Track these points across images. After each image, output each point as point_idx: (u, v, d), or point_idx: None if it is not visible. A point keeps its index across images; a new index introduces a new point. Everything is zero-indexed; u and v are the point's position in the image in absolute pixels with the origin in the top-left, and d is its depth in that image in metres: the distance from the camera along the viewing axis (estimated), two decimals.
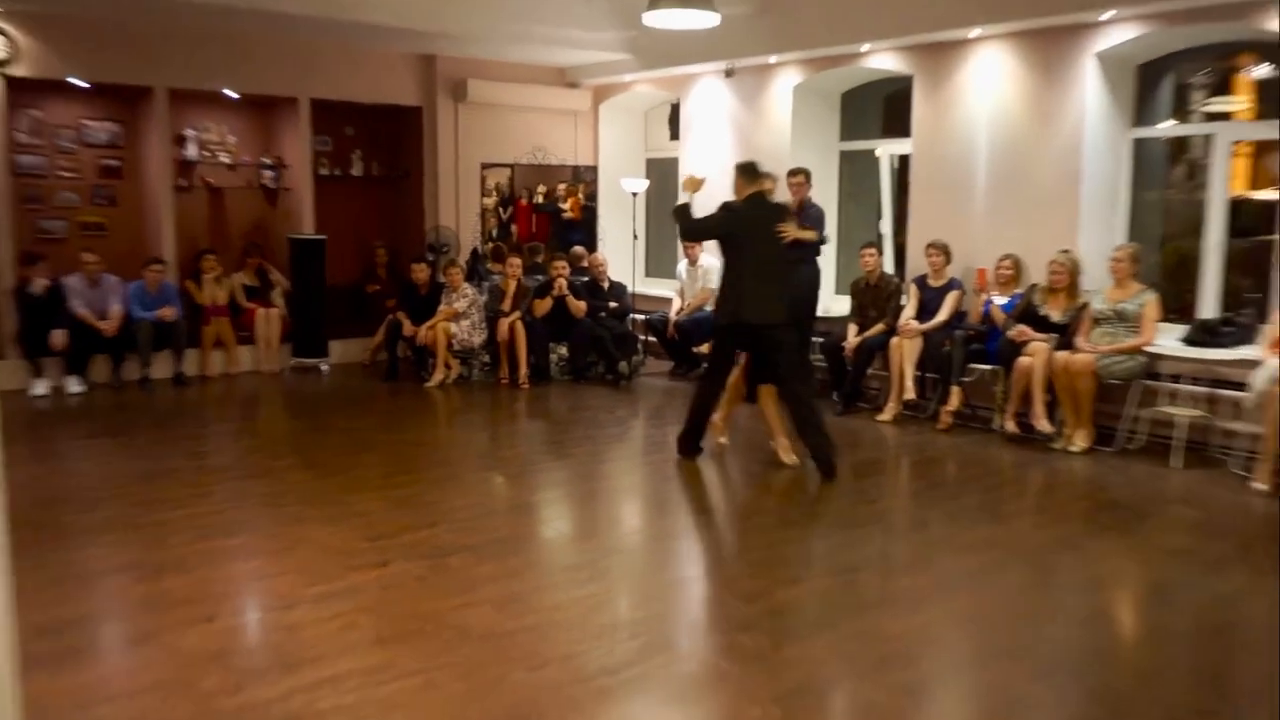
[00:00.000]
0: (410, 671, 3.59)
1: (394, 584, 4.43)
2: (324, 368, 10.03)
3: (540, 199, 11.41)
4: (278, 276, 10.22)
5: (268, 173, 10.61)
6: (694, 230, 6.83)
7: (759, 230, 6.27)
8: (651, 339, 10.21)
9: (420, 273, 9.82)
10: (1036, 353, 7.13)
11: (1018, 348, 7.25)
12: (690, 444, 6.59)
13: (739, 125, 10.03)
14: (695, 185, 6.77)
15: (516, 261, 9.65)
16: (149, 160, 9.89)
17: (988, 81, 8.06)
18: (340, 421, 7.93)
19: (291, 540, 5.01)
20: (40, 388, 8.75)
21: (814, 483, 6.14)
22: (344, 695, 3.42)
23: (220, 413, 8.35)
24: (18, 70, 8.76)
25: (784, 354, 6.27)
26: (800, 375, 6.48)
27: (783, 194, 8.75)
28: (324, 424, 7.89)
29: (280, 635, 3.91)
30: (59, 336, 8.74)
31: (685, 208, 6.57)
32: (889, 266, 8.90)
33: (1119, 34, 7.33)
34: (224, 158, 10.47)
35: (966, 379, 7.61)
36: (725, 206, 6.42)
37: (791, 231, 6.41)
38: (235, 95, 10.16)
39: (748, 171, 6.45)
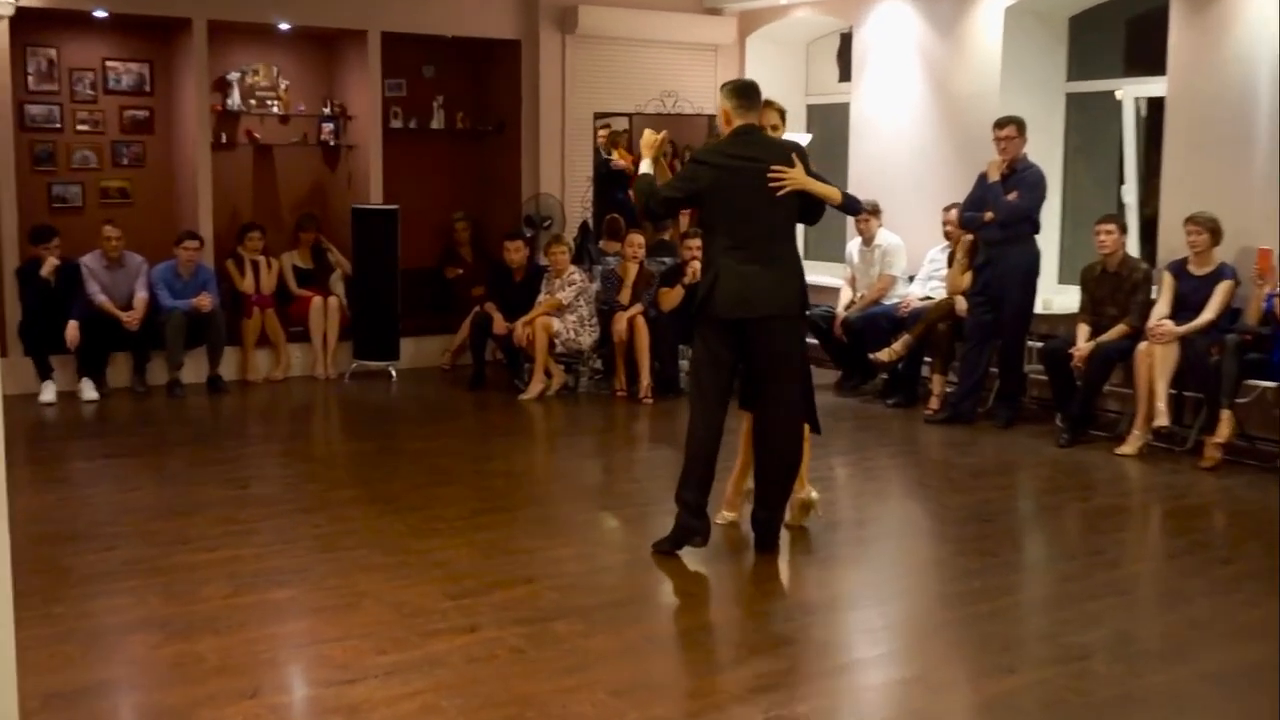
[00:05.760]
0: None
1: (483, 656, 4.43)
2: (393, 373, 10.17)
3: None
4: (338, 257, 10.44)
5: (327, 126, 10.87)
6: (659, 205, 5.81)
7: (747, 182, 5.37)
8: (812, 341, 10.07)
9: (515, 253, 9.88)
10: None
11: None
12: (692, 527, 5.49)
13: (931, 61, 9.86)
14: (654, 145, 5.78)
15: (639, 239, 9.62)
16: (182, 111, 10.19)
17: None
18: (414, 443, 8.03)
19: (354, 595, 5.06)
20: (48, 393, 8.98)
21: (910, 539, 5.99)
22: None
23: (265, 429, 8.53)
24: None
25: (775, 361, 5.46)
26: (794, 399, 5.55)
27: (988, 151, 8.55)
28: (393, 446, 7.98)
29: (340, 718, 3.93)
30: (72, 330, 8.95)
31: (647, 177, 5.72)
32: (1133, 248, 8.61)
33: None
34: (274, 107, 10.75)
35: (1241, 400, 7.33)
36: (693, 157, 5.78)
37: (795, 178, 5.36)
38: (288, 28, 10.39)
39: (743, 94, 5.51)
